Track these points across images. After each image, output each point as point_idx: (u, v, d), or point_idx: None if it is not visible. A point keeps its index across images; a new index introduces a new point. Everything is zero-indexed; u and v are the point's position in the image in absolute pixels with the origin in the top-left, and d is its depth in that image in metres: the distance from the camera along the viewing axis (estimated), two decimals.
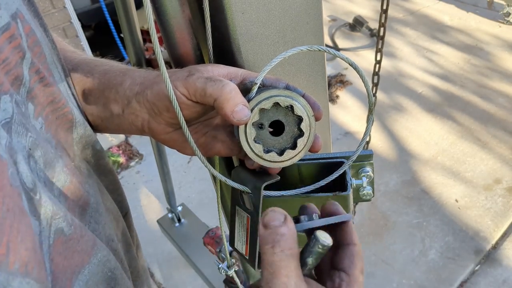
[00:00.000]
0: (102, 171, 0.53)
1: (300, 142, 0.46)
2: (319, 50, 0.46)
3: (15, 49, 0.37)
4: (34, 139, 0.37)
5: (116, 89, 0.49)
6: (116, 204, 0.55)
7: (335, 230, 0.41)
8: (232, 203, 0.53)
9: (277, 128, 0.47)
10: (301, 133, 0.46)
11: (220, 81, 0.44)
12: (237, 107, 0.42)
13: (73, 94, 0.49)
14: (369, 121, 0.50)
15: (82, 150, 0.48)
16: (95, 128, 0.54)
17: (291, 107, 0.45)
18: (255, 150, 0.45)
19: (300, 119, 0.45)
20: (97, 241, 0.42)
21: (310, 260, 0.39)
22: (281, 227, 0.36)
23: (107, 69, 0.52)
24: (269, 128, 0.47)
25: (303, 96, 0.46)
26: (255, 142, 0.45)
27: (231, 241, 0.54)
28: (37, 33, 0.42)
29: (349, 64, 0.46)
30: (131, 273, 0.54)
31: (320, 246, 0.38)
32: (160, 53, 0.41)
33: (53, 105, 0.43)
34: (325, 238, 0.38)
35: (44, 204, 0.34)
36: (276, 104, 0.45)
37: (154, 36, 0.39)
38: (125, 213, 0.59)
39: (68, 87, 0.48)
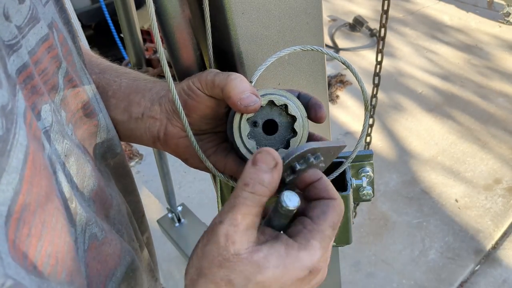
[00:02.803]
0: (121, 174, 0.53)
1: (293, 142, 0.46)
2: (312, 49, 0.47)
3: (53, 59, 0.38)
4: (69, 146, 0.37)
5: (143, 93, 0.50)
6: (133, 205, 0.55)
7: (309, 188, 0.38)
8: None
9: (271, 128, 0.47)
10: (294, 134, 0.46)
11: (227, 72, 0.44)
12: (243, 94, 0.42)
13: (100, 98, 0.50)
14: (366, 118, 0.50)
15: (103, 153, 0.49)
16: None
17: (285, 106, 0.45)
18: (248, 146, 0.45)
19: (293, 119, 0.46)
20: (123, 244, 0.43)
21: (275, 221, 0.36)
22: (266, 173, 0.34)
23: (136, 77, 0.54)
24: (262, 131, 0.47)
25: (309, 99, 0.46)
26: (248, 138, 0.45)
27: None
28: (68, 42, 0.42)
29: (342, 62, 0.47)
30: (146, 272, 0.55)
31: (280, 206, 0.35)
32: (163, 52, 0.41)
33: (82, 111, 0.44)
34: (289, 201, 0.34)
35: (79, 211, 0.35)
36: (271, 103, 0.45)
37: (157, 35, 0.39)
38: (142, 215, 0.60)
39: (96, 91, 0.48)
